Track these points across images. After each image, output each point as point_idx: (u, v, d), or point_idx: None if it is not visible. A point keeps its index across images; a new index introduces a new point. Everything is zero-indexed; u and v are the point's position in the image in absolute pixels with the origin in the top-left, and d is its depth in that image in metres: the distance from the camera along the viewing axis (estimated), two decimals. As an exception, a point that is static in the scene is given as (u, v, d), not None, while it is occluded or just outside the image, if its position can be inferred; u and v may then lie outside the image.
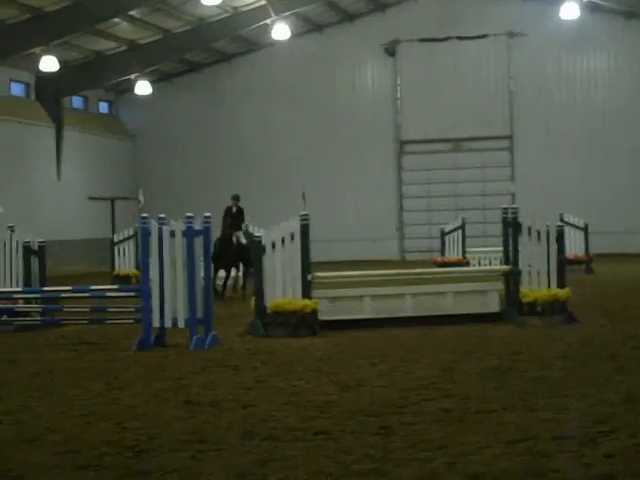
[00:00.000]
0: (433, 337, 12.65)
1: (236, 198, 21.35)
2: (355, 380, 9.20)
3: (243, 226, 21.52)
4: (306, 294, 13.29)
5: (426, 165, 38.39)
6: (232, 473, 5.82)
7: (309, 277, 13.37)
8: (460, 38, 37.91)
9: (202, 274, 12.39)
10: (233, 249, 20.47)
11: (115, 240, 25.71)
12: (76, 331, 13.98)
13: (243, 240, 20.82)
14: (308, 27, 39.15)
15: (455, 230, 26.74)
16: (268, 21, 35.30)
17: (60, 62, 32.16)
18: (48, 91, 35.97)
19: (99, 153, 38.91)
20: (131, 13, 32.76)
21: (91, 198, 37.38)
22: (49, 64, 31.79)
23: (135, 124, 41.65)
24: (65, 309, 14.08)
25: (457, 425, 7.04)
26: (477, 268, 22.22)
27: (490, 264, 24.89)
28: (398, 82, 38.98)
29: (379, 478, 5.69)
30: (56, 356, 11.68)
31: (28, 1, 29.76)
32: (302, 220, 13.35)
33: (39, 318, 14.09)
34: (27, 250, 15.14)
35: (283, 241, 13.36)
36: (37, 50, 31.51)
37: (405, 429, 6.91)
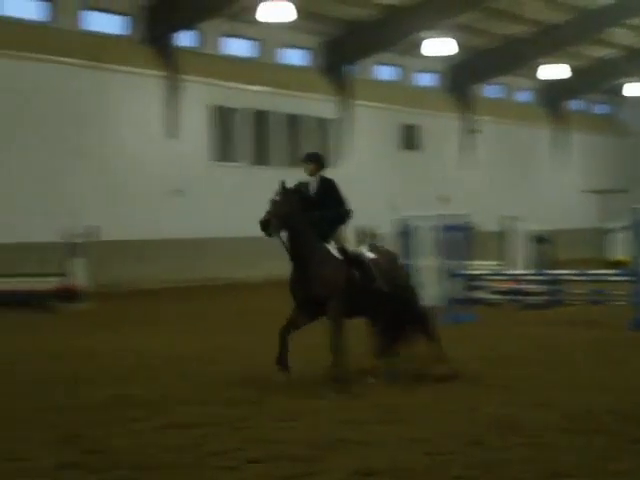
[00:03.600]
0: None
1: None
2: None
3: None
4: None
5: None
6: None
7: None
8: None
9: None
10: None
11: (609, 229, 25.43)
12: (574, 311, 13.96)
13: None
14: None
15: None
16: None
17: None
18: (551, 96, 36.29)
19: (597, 152, 38.53)
20: (628, 21, 31.90)
21: (583, 191, 36.76)
22: (558, 72, 31.42)
23: (635, 123, 40.46)
24: (566, 291, 14.14)
25: None
26: None
27: None
28: None
29: None
30: (556, 332, 11.79)
31: (536, 16, 30.14)
32: None
33: (543, 297, 14.28)
34: (537, 238, 15.61)
35: None
36: (541, 60, 31.68)
37: None
